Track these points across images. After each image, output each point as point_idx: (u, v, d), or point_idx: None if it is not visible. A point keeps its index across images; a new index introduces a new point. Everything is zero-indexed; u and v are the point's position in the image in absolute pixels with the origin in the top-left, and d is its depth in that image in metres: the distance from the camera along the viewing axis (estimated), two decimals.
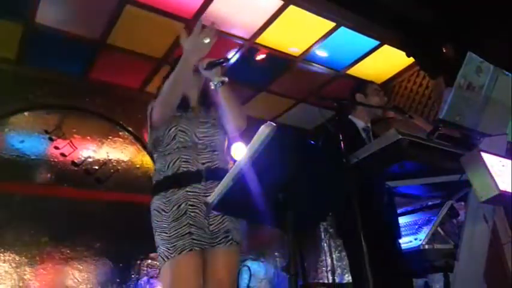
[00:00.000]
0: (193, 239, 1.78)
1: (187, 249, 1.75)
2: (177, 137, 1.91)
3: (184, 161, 1.88)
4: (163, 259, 1.78)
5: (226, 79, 1.95)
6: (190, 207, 1.82)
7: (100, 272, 4.18)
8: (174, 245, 1.76)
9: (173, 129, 1.92)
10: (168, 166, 1.89)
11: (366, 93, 2.74)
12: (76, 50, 4.40)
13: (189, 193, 1.84)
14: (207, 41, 1.86)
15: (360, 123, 2.68)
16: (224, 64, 2.00)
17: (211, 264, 1.84)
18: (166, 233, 1.79)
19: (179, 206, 1.82)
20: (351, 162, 1.91)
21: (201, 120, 1.99)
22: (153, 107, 1.93)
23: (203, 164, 1.89)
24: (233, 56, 4.66)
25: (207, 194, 1.81)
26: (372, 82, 2.93)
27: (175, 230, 1.78)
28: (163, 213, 1.83)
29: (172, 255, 1.75)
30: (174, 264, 1.75)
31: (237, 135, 2.05)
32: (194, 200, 1.83)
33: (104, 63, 4.59)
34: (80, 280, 4.08)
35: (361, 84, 2.86)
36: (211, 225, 1.84)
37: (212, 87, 1.96)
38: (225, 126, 2.01)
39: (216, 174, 1.87)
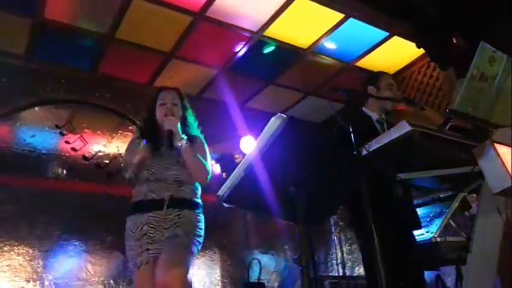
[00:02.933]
0: (149, 254, 2.11)
1: (145, 263, 2.10)
2: (147, 174, 2.24)
3: (150, 191, 2.20)
4: (132, 271, 2.18)
5: (184, 141, 2.22)
6: (150, 229, 2.13)
7: (112, 265, 4.23)
8: (135, 261, 2.13)
9: (145, 172, 2.24)
10: (138, 193, 2.24)
11: (378, 87, 2.69)
12: (85, 44, 4.42)
13: (151, 217, 2.15)
14: None
15: (374, 115, 2.65)
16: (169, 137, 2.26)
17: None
18: (132, 251, 2.15)
19: (141, 227, 2.14)
20: (361, 154, 1.88)
21: (170, 160, 2.27)
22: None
23: (168, 195, 2.19)
24: (241, 49, 4.65)
25: (166, 219, 2.15)
26: (386, 75, 2.85)
27: (137, 247, 2.13)
28: (130, 232, 2.17)
29: (135, 269, 2.14)
30: (137, 276, 2.15)
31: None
32: (154, 223, 2.14)
33: (113, 57, 4.61)
34: (92, 273, 4.12)
35: (375, 77, 2.79)
36: (165, 235, 2.14)
37: (175, 145, 2.25)
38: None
39: (177, 203, 2.18)
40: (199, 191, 2.33)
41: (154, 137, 2.31)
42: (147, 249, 2.11)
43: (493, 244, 2.13)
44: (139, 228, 2.14)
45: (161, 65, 4.76)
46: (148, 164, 2.25)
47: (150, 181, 2.22)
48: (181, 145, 2.22)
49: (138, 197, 2.23)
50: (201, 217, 2.27)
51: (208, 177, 2.27)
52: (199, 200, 2.30)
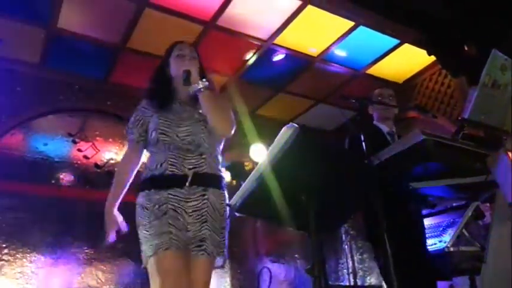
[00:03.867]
0: (172, 238, 1.77)
1: (164, 247, 1.75)
2: (159, 140, 1.91)
3: (170, 164, 1.87)
4: (147, 258, 1.80)
5: (206, 83, 1.92)
6: (170, 209, 1.82)
7: (123, 273, 4.24)
8: (152, 243, 1.77)
9: (154, 132, 1.93)
10: (156, 166, 1.90)
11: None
12: (97, 53, 4.48)
13: (171, 196, 1.84)
14: None
15: (385, 128, 2.65)
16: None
17: (191, 272, 1.83)
18: (147, 231, 1.81)
19: (160, 206, 1.82)
20: (373, 163, 1.88)
21: (183, 116, 1.95)
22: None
23: (189, 169, 1.87)
24: (251, 57, 4.67)
25: (188, 200, 1.84)
26: (381, 89, 2.87)
27: (155, 229, 1.79)
28: (145, 210, 1.84)
29: (151, 254, 1.77)
30: (156, 262, 1.75)
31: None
32: (175, 203, 1.83)
33: (125, 66, 4.66)
34: (103, 281, 4.14)
35: (371, 96, 2.80)
36: (189, 231, 1.83)
37: (190, 91, 1.95)
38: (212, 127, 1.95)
39: (202, 180, 1.87)
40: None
41: (167, 96, 2.01)
42: (169, 232, 1.77)
43: (508, 254, 2.10)
44: (156, 206, 1.83)
45: None
46: (154, 133, 1.92)
47: (166, 151, 1.89)
48: (201, 88, 1.90)
49: (154, 171, 1.90)
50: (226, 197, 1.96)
51: (233, 128, 1.97)
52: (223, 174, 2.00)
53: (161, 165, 1.88)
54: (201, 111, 1.96)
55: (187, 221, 1.82)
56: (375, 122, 2.69)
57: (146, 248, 1.80)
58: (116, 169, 2.09)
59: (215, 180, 1.93)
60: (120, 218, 1.97)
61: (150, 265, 1.78)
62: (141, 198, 1.89)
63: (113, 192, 1.99)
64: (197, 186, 1.86)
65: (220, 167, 2.00)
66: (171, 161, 1.87)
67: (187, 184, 1.84)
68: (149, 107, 2.02)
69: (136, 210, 1.89)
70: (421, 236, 2.49)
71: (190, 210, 1.83)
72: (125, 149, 2.20)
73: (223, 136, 2.00)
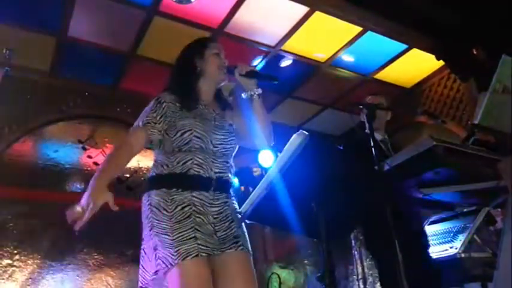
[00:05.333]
0: (199, 244, 1.58)
1: (193, 255, 1.55)
2: (191, 143, 1.74)
3: (196, 164, 1.72)
4: (167, 265, 1.57)
5: (261, 91, 1.84)
6: (195, 212, 1.65)
7: (133, 279, 4.25)
8: (178, 250, 1.56)
9: (187, 133, 1.75)
10: (177, 163, 1.72)
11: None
12: (107, 61, 4.52)
13: (195, 198, 1.67)
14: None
15: (378, 136, 2.66)
16: (271, 82, 1.87)
17: (222, 274, 1.66)
18: (169, 236, 1.59)
19: (183, 207, 1.64)
20: (383, 169, 1.87)
21: (217, 124, 1.85)
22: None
23: (215, 172, 1.75)
24: (259, 63, 4.69)
25: (213, 205, 1.71)
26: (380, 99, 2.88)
27: (179, 233, 1.59)
28: (165, 212, 1.64)
29: (176, 262, 1.55)
30: (181, 272, 1.54)
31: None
32: (199, 207, 1.67)
33: (134, 73, 4.70)
34: (112, 286, 4.16)
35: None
36: (218, 231, 1.68)
37: (244, 96, 1.84)
38: (250, 139, 1.88)
39: (224, 186, 1.77)
40: None
41: (196, 97, 1.87)
42: (195, 237, 1.59)
43: None
44: (178, 208, 1.64)
45: None
46: (188, 133, 1.75)
47: (194, 151, 1.74)
48: (258, 94, 1.81)
49: (173, 168, 1.72)
50: None
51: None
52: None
53: (184, 163, 1.71)
54: (230, 121, 1.89)
55: (214, 224, 1.68)
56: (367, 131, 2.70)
57: (167, 255, 1.57)
58: (114, 150, 1.79)
59: (231, 188, 1.84)
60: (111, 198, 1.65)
61: (174, 274, 1.56)
62: (156, 198, 1.69)
63: (108, 171, 1.70)
64: (220, 193, 1.74)
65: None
66: (198, 161, 1.72)
67: (212, 188, 1.72)
68: (176, 104, 1.82)
69: (150, 210, 1.68)
70: (425, 243, 2.49)
71: (215, 214, 1.70)
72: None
73: (260, 146, 1.92)
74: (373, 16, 4.11)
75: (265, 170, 4.88)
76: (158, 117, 1.78)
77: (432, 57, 4.52)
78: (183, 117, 1.78)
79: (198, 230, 1.61)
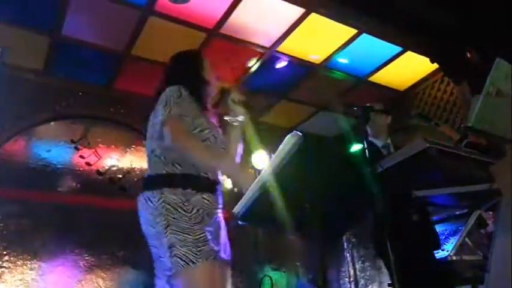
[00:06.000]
0: (213, 247, 1.66)
1: (213, 256, 1.62)
2: (207, 141, 1.78)
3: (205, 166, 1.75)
4: (187, 263, 1.59)
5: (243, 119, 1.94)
6: (205, 215, 1.69)
7: (123, 280, 4.22)
8: (201, 250, 1.60)
9: (207, 131, 1.79)
10: (192, 164, 1.72)
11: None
12: (101, 61, 4.49)
13: (205, 201, 1.71)
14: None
15: (379, 142, 2.66)
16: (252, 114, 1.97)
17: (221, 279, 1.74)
18: (190, 235, 1.61)
19: (198, 209, 1.67)
20: (376, 171, 1.87)
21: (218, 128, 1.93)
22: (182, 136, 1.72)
23: (218, 176, 1.80)
24: (254, 64, 4.68)
25: (217, 208, 1.75)
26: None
27: (200, 234, 1.63)
28: (183, 212, 1.65)
29: (200, 260, 1.59)
30: (203, 271, 1.60)
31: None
32: (208, 210, 1.71)
33: (128, 73, 4.67)
34: None
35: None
36: (220, 236, 1.77)
37: (230, 120, 1.94)
38: None
39: (220, 189, 1.81)
40: None
41: (203, 97, 1.93)
42: (210, 240, 1.66)
43: (511, 263, 2.08)
44: (194, 209, 1.67)
45: None
46: (208, 131, 1.79)
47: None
48: (242, 122, 1.94)
49: (186, 169, 1.73)
50: None
51: None
52: None
53: (194, 164, 1.72)
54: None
55: (219, 228, 1.75)
56: (370, 138, 2.70)
57: (188, 253, 1.59)
58: (198, 148, 1.74)
59: None
60: None
61: (196, 272, 1.60)
62: (172, 196, 1.67)
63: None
64: (218, 197, 1.78)
65: None
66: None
67: (216, 192, 1.76)
68: (193, 102, 1.85)
69: (164, 208, 1.66)
70: (431, 244, 2.48)
71: (218, 218, 1.75)
72: (127, 155, 2.04)
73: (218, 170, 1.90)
74: (367, 18, 4.13)
75: (258, 172, 4.88)
76: (189, 111, 1.79)
77: (426, 60, 4.55)
78: (205, 119, 1.83)
79: (211, 233, 1.66)
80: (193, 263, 1.58)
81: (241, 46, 4.40)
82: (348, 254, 5.25)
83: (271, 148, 1.38)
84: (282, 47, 4.47)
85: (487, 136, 2.06)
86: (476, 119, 1.93)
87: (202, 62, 2.03)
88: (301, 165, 1.40)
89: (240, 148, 1.93)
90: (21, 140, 4.33)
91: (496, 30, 3.91)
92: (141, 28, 4.09)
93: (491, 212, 2.64)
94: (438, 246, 2.55)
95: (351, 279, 5.09)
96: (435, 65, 4.64)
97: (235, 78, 4.89)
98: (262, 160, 5.02)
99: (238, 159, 1.94)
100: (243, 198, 1.46)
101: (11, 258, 3.84)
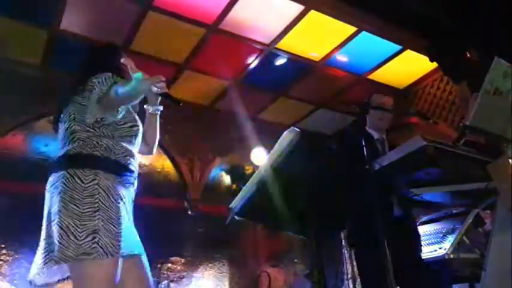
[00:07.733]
0: (131, 242, 1.56)
1: (135, 252, 1.56)
2: (134, 138, 1.74)
3: (131, 157, 1.69)
4: (106, 254, 1.45)
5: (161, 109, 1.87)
6: (125, 209, 1.59)
7: None
8: (119, 244, 1.48)
9: (135, 128, 1.75)
10: (122, 153, 1.65)
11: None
12: None
13: (125, 193, 1.62)
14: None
15: (376, 135, 2.65)
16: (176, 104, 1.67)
17: (128, 276, 1.61)
18: (115, 227, 1.50)
19: (122, 201, 1.57)
20: (373, 168, 1.87)
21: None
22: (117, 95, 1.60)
23: (136, 170, 1.74)
24: (252, 61, 4.68)
25: (132, 203, 1.67)
26: (376, 96, 2.84)
27: (123, 227, 1.52)
28: (113, 200, 1.54)
29: (117, 254, 1.47)
30: (114, 265, 1.48)
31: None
32: (127, 204, 1.62)
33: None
34: None
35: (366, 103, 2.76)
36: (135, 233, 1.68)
37: (150, 109, 1.86)
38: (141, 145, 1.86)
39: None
40: None
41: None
42: (130, 234, 1.58)
43: (508, 262, 2.08)
44: (121, 201, 1.57)
45: (174, 76, 4.81)
46: (136, 128, 1.75)
47: (128, 144, 1.70)
48: (159, 111, 1.86)
49: (116, 156, 1.64)
50: None
51: None
52: None
53: (125, 156, 1.66)
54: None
55: (132, 223, 1.65)
56: (367, 128, 2.68)
57: (108, 244, 1.46)
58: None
59: None
60: None
61: (108, 264, 1.47)
62: (106, 181, 1.56)
63: None
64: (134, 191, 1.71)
65: None
66: (130, 154, 1.69)
67: (134, 186, 1.69)
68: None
69: (97, 190, 1.53)
70: (417, 244, 2.49)
71: (131, 213, 1.67)
72: None
73: (144, 154, 1.94)
74: (367, 16, 4.13)
75: (257, 168, 4.88)
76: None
77: (426, 59, 4.55)
78: (130, 109, 1.77)
79: (130, 228, 1.58)
80: (111, 255, 1.48)
81: (240, 42, 4.39)
82: (345, 251, 5.25)
83: (270, 145, 1.38)
84: (281, 44, 4.47)
85: (485, 135, 2.06)
86: (475, 118, 1.93)
87: (120, 55, 1.92)
88: (298, 162, 1.40)
89: (156, 137, 1.91)
90: (20, 134, 4.33)
91: (496, 29, 3.91)
92: (140, 23, 4.08)
93: (488, 211, 2.65)
94: (419, 246, 2.56)
95: (349, 276, 5.09)
96: (434, 64, 4.65)
97: (234, 75, 4.89)
98: (261, 157, 5.03)
99: (155, 150, 1.93)
100: (239, 194, 1.46)
101: (9, 252, 3.85)
